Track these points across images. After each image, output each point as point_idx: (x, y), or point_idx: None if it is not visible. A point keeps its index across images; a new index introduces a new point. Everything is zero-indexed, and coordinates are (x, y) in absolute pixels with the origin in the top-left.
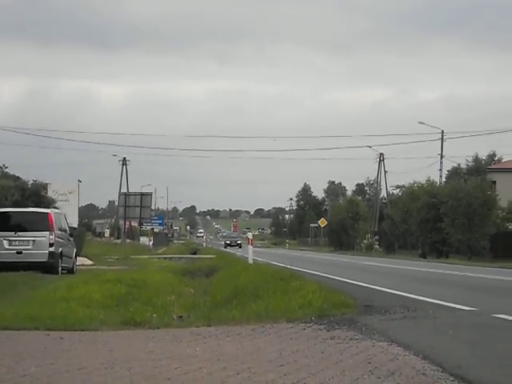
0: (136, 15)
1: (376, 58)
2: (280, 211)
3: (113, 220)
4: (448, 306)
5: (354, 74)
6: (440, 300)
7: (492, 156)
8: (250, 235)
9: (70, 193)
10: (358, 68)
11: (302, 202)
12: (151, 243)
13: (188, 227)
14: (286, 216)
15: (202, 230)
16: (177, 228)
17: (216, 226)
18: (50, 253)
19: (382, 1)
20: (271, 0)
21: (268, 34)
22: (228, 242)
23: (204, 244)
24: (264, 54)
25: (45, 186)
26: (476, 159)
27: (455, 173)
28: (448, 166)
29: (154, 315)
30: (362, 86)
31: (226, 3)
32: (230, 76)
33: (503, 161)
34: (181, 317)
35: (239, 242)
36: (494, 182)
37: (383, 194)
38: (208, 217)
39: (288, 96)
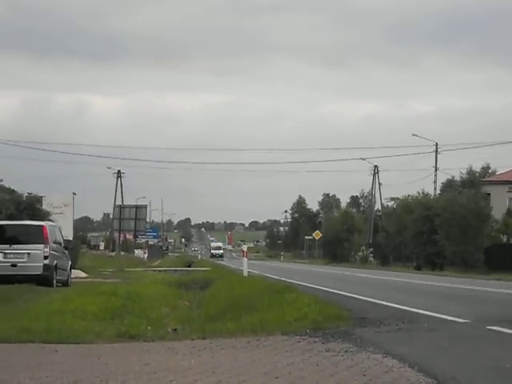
0: (132, 28)
1: (371, 71)
2: (275, 223)
3: (107, 233)
4: (443, 319)
5: (349, 87)
6: (435, 312)
7: (486, 168)
8: (244, 247)
9: (65, 205)
10: (352, 81)
11: (296, 215)
12: (146, 256)
13: (183, 240)
14: (281, 228)
15: (220, 244)
16: (171, 241)
17: (211, 239)
18: (45, 265)
19: (376, 14)
20: (266, 13)
21: (263, 47)
22: None
23: (199, 256)
24: (259, 67)
25: (39, 199)
26: (470, 171)
27: (449, 185)
28: (442, 178)
29: (149, 328)
30: (357, 99)
31: (220, 17)
32: (225, 89)
33: (497, 173)
34: (175, 329)
35: None
36: (489, 194)
37: (378, 206)
38: (203, 229)
39: (283, 108)
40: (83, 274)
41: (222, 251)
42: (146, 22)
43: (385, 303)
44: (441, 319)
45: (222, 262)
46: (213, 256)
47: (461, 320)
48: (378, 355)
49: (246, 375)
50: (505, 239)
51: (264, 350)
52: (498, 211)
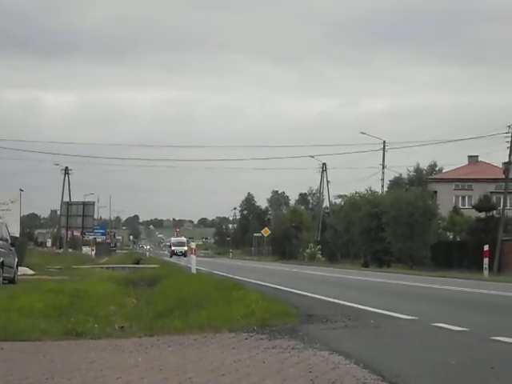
0: (83, 22)
1: (322, 69)
2: (224, 221)
3: (55, 229)
4: (389, 315)
5: (300, 85)
6: (381, 309)
7: (433, 166)
8: (193, 245)
9: (12, 202)
10: (303, 78)
11: (245, 212)
12: (94, 253)
13: (131, 237)
14: (230, 225)
15: (183, 239)
16: (119, 238)
17: (159, 236)
18: None
19: (328, 12)
20: (220, 9)
21: (215, 43)
22: None
23: (147, 254)
24: (211, 64)
25: None
26: (417, 169)
27: (397, 183)
28: (390, 175)
29: (96, 325)
30: (308, 97)
31: (174, 12)
32: (177, 85)
33: (444, 171)
34: (123, 327)
35: None
36: (435, 191)
37: (326, 203)
38: (151, 226)
39: (234, 106)
40: (30, 272)
41: (185, 248)
42: (98, 17)
43: (332, 300)
44: (387, 316)
45: (171, 259)
46: (174, 254)
47: (407, 317)
48: (324, 352)
49: (192, 372)
50: (451, 236)
51: (211, 348)
52: (444, 209)
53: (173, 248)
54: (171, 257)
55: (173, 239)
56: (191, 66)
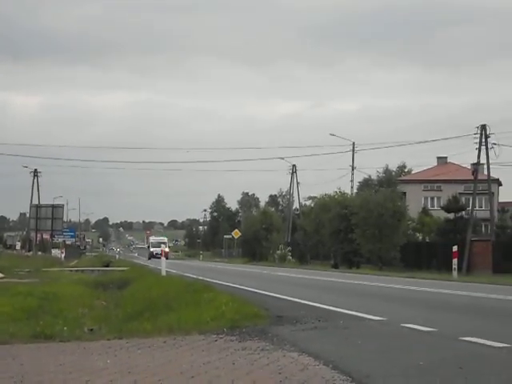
0: (51, 25)
1: (292, 71)
2: (194, 223)
3: (24, 232)
4: (358, 316)
5: (270, 87)
6: (350, 310)
7: (402, 167)
8: (163, 247)
9: None
10: (274, 80)
11: (215, 214)
12: (63, 256)
13: (101, 239)
14: (200, 227)
15: (164, 239)
16: (89, 240)
17: (129, 238)
18: None
19: (296, 15)
20: (190, 12)
21: (186, 46)
22: None
23: (117, 256)
24: (182, 67)
25: None
26: (386, 171)
27: (366, 184)
28: (359, 177)
29: (65, 328)
30: (279, 98)
31: (144, 14)
32: (147, 88)
33: (413, 172)
34: (92, 329)
35: None
36: (405, 193)
37: (296, 205)
38: (121, 229)
39: (205, 108)
40: None
41: (167, 249)
42: (70, 20)
43: (302, 302)
44: (356, 317)
45: (140, 262)
46: (153, 257)
47: (376, 318)
48: (293, 353)
49: (162, 375)
50: (420, 237)
51: (181, 350)
52: (413, 210)
53: (152, 249)
54: (149, 259)
55: (152, 239)
56: (162, 69)
